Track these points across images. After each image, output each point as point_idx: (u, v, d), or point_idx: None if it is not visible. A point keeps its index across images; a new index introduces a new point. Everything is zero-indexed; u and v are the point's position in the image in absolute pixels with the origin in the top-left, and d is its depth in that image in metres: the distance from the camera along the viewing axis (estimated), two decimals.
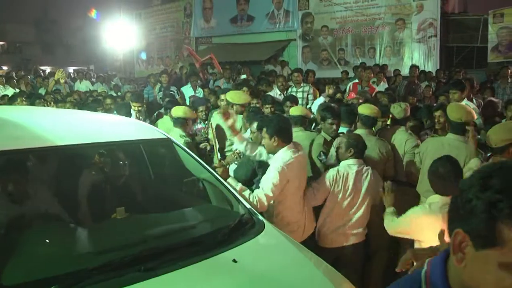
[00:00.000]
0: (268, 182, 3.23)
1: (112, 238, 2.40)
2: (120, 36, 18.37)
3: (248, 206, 3.00)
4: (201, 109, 5.78)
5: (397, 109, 4.47)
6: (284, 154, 3.35)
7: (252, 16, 16.02)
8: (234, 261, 2.31)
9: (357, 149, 3.57)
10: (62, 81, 8.91)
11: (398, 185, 4.14)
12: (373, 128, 4.47)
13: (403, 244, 3.97)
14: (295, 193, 3.42)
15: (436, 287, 1.07)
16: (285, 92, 7.31)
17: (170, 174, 3.47)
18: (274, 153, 3.47)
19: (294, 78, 7.54)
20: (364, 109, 4.29)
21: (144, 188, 3.30)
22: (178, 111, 4.85)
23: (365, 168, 3.59)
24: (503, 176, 0.94)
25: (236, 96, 5.18)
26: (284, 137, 3.40)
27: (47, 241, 2.29)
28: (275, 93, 7.20)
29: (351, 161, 3.56)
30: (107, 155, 3.05)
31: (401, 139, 4.28)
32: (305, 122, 4.61)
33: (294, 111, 4.69)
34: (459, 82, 5.62)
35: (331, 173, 3.53)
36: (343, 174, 3.50)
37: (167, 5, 19.04)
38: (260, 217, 2.90)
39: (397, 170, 4.22)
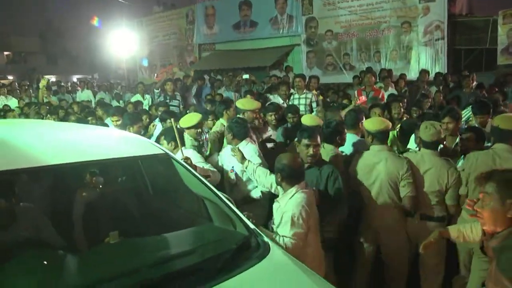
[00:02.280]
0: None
1: (102, 268, 2.17)
2: (123, 44, 18.28)
3: (252, 226, 2.79)
4: None
5: (428, 131, 3.71)
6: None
7: (255, 22, 15.85)
8: None
9: (286, 173, 3.12)
10: (44, 91, 8.73)
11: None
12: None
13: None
14: None
15: None
16: (287, 100, 7.10)
17: (169, 192, 3.26)
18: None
19: (296, 83, 7.34)
20: (369, 125, 3.95)
21: (141, 208, 3.09)
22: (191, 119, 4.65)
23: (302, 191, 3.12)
24: None
25: (247, 103, 5.17)
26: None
27: (30, 271, 2.08)
28: (278, 101, 7.00)
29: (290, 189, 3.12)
30: (101, 173, 2.85)
31: (441, 168, 3.65)
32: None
33: (307, 120, 4.46)
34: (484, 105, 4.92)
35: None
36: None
37: (168, 12, 18.94)
38: (266, 239, 2.69)
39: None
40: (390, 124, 4.10)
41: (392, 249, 3.86)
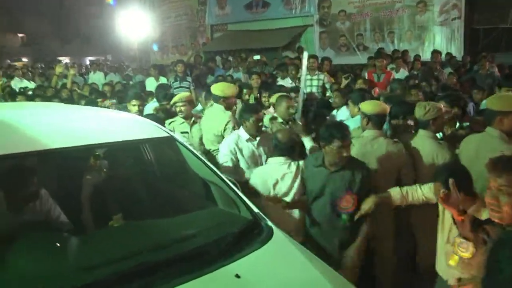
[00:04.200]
0: None
1: (105, 251, 2.19)
2: (134, 25, 18.16)
3: (256, 210, 2.78)
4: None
5: (420, 110, 3.61)
6: None
7: (268, 2, 15.61)
8: (237, 276, 2.11)
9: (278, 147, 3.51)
10: (72, 72, 8.43)
11: None
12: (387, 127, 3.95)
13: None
14: None
15: None
16: (296, 81, 7.03)
17: (174, 175, 3.27)
18: None
19: (309, 64, 7.19)
20: (368, 107, 3.68)
21: (146, 191, 3.10)
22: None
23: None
24: None
25: (227, 89, 4.75)
26: None
27: (31, 254, 2.10)
28: (287, 82, 6.94)
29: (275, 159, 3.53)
30: (105, 157, 2.87)
31: (431, 151, 3.48)
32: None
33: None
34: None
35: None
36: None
37: None
38: (269, 223, 2.69)
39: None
40: (388, 107, 3.83)
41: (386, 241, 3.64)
